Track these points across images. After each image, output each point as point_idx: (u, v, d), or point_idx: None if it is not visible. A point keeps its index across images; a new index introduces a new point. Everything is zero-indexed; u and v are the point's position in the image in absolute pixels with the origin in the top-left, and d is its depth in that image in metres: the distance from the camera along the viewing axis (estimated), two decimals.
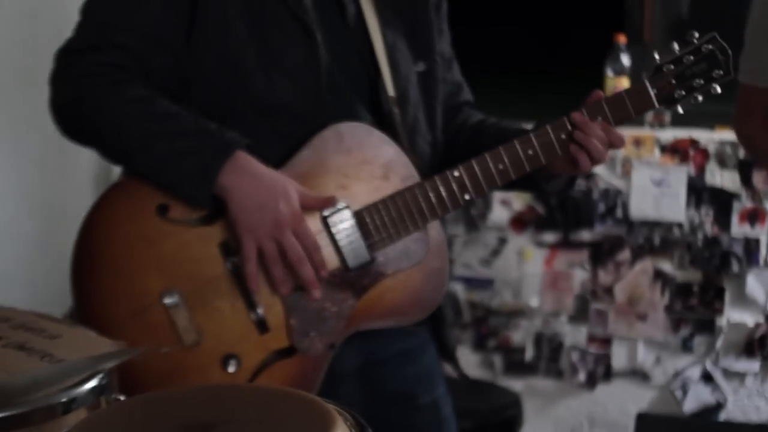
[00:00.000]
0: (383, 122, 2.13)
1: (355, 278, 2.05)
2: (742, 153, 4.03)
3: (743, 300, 4.08)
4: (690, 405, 4.17)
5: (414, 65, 2.21)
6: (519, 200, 4.25)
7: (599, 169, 4.14)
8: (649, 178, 4.13)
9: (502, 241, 4.30)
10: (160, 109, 1.99)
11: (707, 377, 4.16)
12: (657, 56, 2.12)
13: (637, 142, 4.09)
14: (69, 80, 2.04)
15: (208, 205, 1.98)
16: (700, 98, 2.12)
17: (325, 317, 2.03)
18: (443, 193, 2.07)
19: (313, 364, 2.04)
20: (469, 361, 4.36)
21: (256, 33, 2.03)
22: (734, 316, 4.11)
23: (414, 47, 2.21)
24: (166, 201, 1.98)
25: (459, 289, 4.35)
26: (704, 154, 4.09)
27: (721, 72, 2.10)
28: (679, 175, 4.10)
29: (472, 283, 4.35)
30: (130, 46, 2.01)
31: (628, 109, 2.09)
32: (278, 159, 2.03)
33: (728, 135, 3.96)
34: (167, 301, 1.97)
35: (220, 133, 1.98)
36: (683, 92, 2.10)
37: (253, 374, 2.01)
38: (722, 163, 4.07)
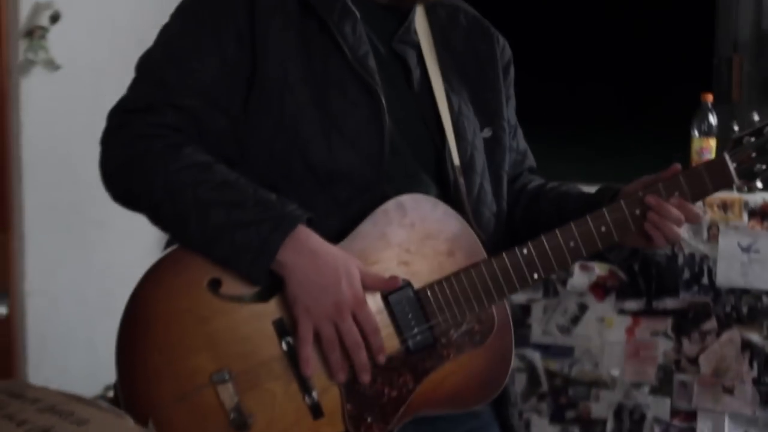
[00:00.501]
0: (448, 192, 2.05)
1: (417, 361, 1.95)
2: None
3: None
4: None
5: (481, 132, 2.13)
6: (600, 265, 4.13)
7: (685, 234, 4.01)
8: (737, 244, 3.98)
9: (583, 308, 4.19)
10: (217, 177, 1.91)
11: None
12: (737, 128, 2.02)
13: (725, 206, 3.96)
14: (121, 141, 1.96)
15: (264, 282, 1.89)
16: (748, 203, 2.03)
17: (383, 402, 1.94)
18: (511, 272, 1.98)
19: None
20: None
21: (316, 95, 1.95)
22: None
23: (481, 113, 2.14)
24: (219, 275, 1.90)
25: (536, 357, 4.24)
26: None
27: None
28: None
29: (550, 350, 4.24)
30: (187, 106, 1.93)
31: (707, 185, 2.00)
32: (337, 229, 1.94)
33: None
34: (217, 382, 1.88)
35: (281, 205, 1.89)
36: (764, 166, 2.01)
37: None
38: None
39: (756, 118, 2.07)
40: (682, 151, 3.95)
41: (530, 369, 4.24)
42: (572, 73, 4.57)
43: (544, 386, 4.25)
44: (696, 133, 3.97)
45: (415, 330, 1.94)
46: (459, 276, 1.96)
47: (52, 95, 3.42)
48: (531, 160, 2.33)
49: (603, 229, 1.98)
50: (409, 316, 1.94)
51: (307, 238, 1.88)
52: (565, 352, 4.22)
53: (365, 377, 1.90)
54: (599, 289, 4.16)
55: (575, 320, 4.20)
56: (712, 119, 3.97)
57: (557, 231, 1.98)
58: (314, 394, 1.91)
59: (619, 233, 1.99)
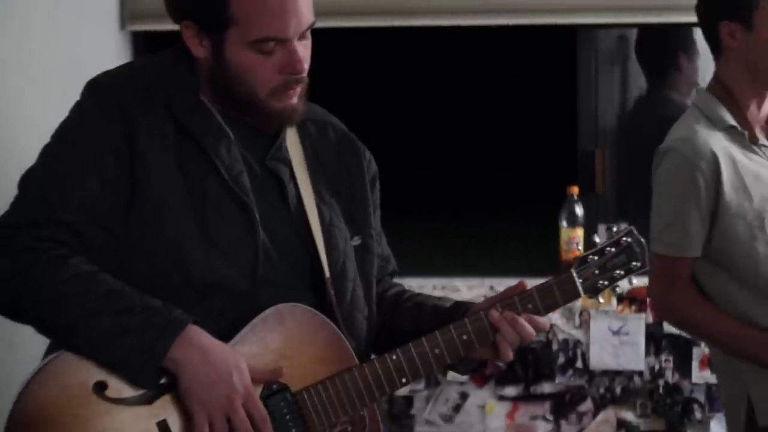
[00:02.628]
0: (322, 300, 2.17)
1: None
2: None
3: None
4: None
5: (351, 240, 2.25)
6: None
7: (558, 320, 4.16)
8: (608, 328, 4.14)
9: (464, 396, 4.27)
10: (103, 286, 2.00)
11: None
12: (581, 247, 2.22)
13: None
14: (6, 255, 2.02)
15: (152, 385, 1.98)
16: (619, 288, 2.29)
17: None
18: (381, 377, 2.11)
19: None
20: None
21: (195, 213, 2.06)
22: None
23: (351, 222, 2.27)
24: (104, 378, 1.98)
25: None
26: None
27: (638, 264, 2.23)
28: (638, 324, 4.12)
29: None
30: (68, 221, 2.02)
31: (557, 299, 2.20)
32: (217, 337, 2.03)
33: None
34: None
35: (167, 310, 1.99)
36: (606, 282, 2.22)
37: None
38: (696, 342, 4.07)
39: (597, 239, 2.28)
40: (552, 242, 4.09)
41: None
42: (444, 169, 4.71)
43: None
44: (564, 224, 4.10)
45: (293, 431, 2.04)
46: (333, 380, 2.08)
47: None
48: (393, 265, 2.45)
49: (465, 337, 2.13)
50: (287, 417, 2.04)
51: (197, 335, 1.99)
52: None
53: None
54: (479, 377, 4.23)
55: (457, 408, 4.26)
56: (579, 210, 4.11)
57: (424, 339, 2.12)
58: None
59: (479, 342, 2.15)
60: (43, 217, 2.02)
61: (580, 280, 2.19)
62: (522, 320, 2.15)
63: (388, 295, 2.38)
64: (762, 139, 2.87)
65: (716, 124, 2.83)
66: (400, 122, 4.67)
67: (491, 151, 4.76)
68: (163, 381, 2.00)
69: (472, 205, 4.60)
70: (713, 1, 2.88)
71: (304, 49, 2.11)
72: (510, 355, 2.17)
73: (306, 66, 2.12)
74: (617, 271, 2.22)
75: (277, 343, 2.07)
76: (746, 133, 2.83)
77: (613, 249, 2.21)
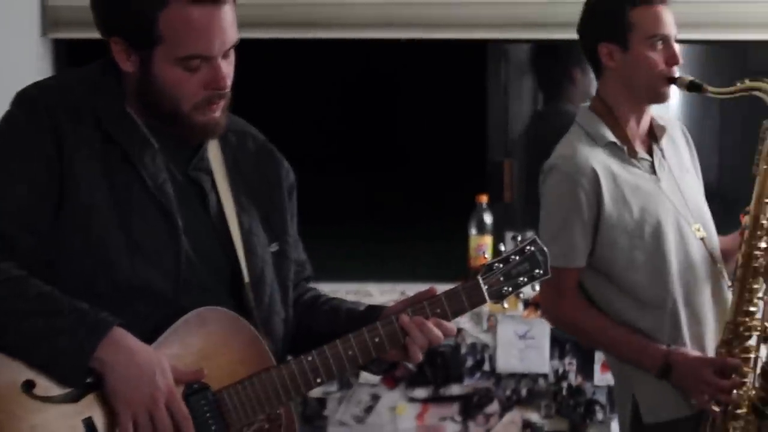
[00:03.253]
0: (242, 304, 2.25)
1: None
2: None
3: None
4: None
5: (269, 246, 2.33)
6: None
7: (466, 325, 4.28)
8: (514, 332, 4.27)
9: (375, 398, 4.36)
10: (33, 289, 2.07)
11: None
12: (488, 255, 2.32)
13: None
14: None
15: (80, 384, 2.06)
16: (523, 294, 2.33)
17: None
18: (297, 377, 2.20)
19: None
20: None
21: (120, 220, 2.14)
22: None
23: (269, 230, 2.35)
24: (33, 377, 2.05)
25: None
26: None
27: (541, 271, 2.31)
28: (543, 328, 4.25)
29: None
30: None
31: (464, 304, 2.29)
32: (141, 339, 2.11)
33: None
34: None
35: (94, 312, 2.07)
36: (510, 288, 2.30)
37: None
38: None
39: (502, 247, 2.38)
40: (461, 248, 4.20)
41: None
42: (353, 175, 4.78)
43: None
44: (473, 231, 4.23)
45: (213, 428, 2.14)
46: (252, 380, 2.17)
47: None
48: (309, 270, 2.54)
49: (377, 339, 2.23)
50: (208, 414, 2.14)
51: (123, 337, 2.07)
52: None
53: None
54: (390, 379, 4.34)
55: (369, 410, 4.36)
56: (488, 218, 4.25)
57: (338, 341, 2.22)
58: None
59: (390, 344, 2.24)
60: None
61: (486, 287, 2.28)
62: (430, 324, 2.24)
63: (303, 299, 2.47)
64: (641, 153, 3.04)
65: (597, 140, 2.99)
66: (315, 131, 4.74)
67: (404, 160, 4.85)
68: (89, 380, 2.07)
69: (385, 213, 4.69)
70: (592, 24, 3.05)
71: (228, 66, 2.20)
72: (419, 357, 2.27)
73: (229, 82, 2.21)
74: (521, 278, 2.30)
75: (198, 344, 2.16)
76: (625, 147, 3.00)
77: (517, 257, 2.30)
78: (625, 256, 2.96)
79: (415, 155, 4.77)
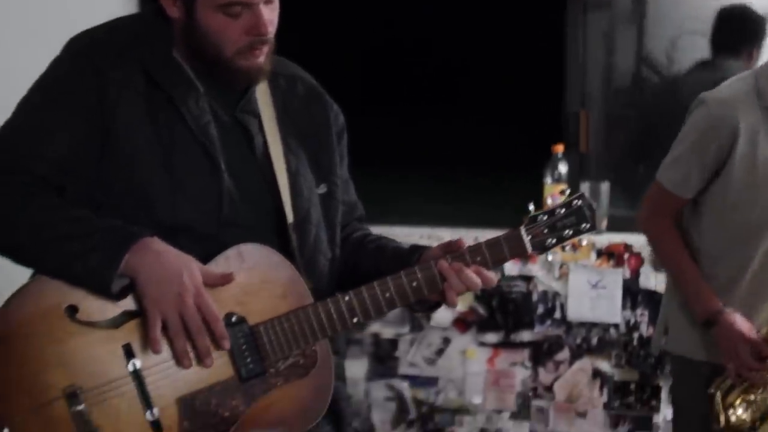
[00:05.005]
0: (285, 244, 2.30)
1: (248, 387, 2.19)
2: None
3: None
4: None
5: (316, 188, 2.39)
6: (461, 301, 4.26)
7: (538, 273, 4.32)
8: (586, 281, 4.29)
9: (446, 341, 4.42)
10: (67, 214, 2.15)
11: None
12: (532, 207, 2.34)
13: (574, 247, 4.13)
14: None
15: (112, 293, 2.12)
16: (568, 247, 2.35)
17: (216, 422, 2.17)
18: (334, 315, 2.24)
19: None
20: None
21: (163, 159, 2.20)
22: (670, 413, 4.06)
23: (317, 171, 2.40)
24: (76, 303, 2.13)
25: (404, 387, 4.46)
26: (638, 257, 4.26)
27: (588, 225, 2.31)
28: (615, 278, 4.26)
29: (417, 381, 4.46)
30: (39, 173, 2.17)
31: (505, 254, 2.28)
32: None
33: None
34: (68, 397, 2.10)
35: (124, 227, 2.15)
36: (554, 240, 2.30)
37: None
38: (656, 266, 4.23)
39: (550, 200, 2.39)
40: (536, 197, 4.16)
41: (399, 398, 4.46)
42: (432, 121, 4.80)
43: (412, 414, 4.46)
44: (548, 180, 4.26)
45: (248, 360, 2.19)
46: (289, 316, 2.22)
47: None
48: (360, 211, 2.58)
49: (414, 284, 2.25)
50: (244, 347, 2.19)
51: (151, 242, 2.14)
52: (431, 381, 4.44)
53: (208, 362, 2.14)
54: (461, 323, 4.41)
55: (440, 352, 4.42)
56: (563, 168, 4.27)
57: (375, 283, 2.25)
58: (155, 411, 2.15)
59: (429, 289, 2.26)
60: (13, 168, 2.18)
61: (529, 237, 2.28)
62: (468, 271, 2.25)
63: (352, 239, 2.51)
64: None
65: (762, 99, 2.98)
66: (396, 77, 4.77)
67: (482, 108, 4.86)
68: (128, 308, 2.15)
69: (461, 159, 4.72)
70: None
71: (270, 12, 2.24)
72: (456, 302, 2.28)
73: (271, 28, 2.25)
74: (566, 231, 2.29)
75: (238, 279, 2.21)
76: None
77: (563, 210, 2.29)
78: (727, 216, 3.03)
79: (493, 104, 4.77)
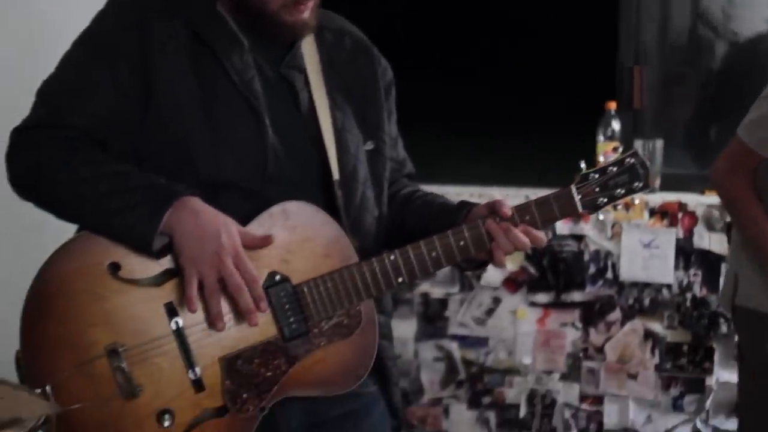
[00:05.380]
0: (331, 202, 2.26)
1: (290, 347, 2.17)
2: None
3: (732, 360, 4.10)
4: None
5: (363, 145, 2.34)
6: (512, 261, 4.34)
7: (590, 232, 4.26)
8: (639, 241, 4.22)
9: (497, 301, 4.39)
10: (109, 169, 2.13)
11: None
12: (583, 165, 2.27)
13: (627, 206, 4.11)
14: (24, 153, 2.17)
15: (153, 250, 2.10)
16: (621, 206, 2.31)
17: (258, 381, 2.15)
18: (378, 275, 2.20)
19: (242, 424, 2.16)
20: (464, 418, 4.44)
21: (206, 114, 2.17)
22: (724, 375, 4.19)
23: (364, 128, 2.36)
24: (119, 260, 2.11)
25: (454, 347, 4.44)
26: (692, 217, 4.19)
27: (641, 184, 2.26)
28: (668, 238, 4.20)
29: (467, 341, 4.43)
30: (83, 128, 2.15)
31: (554, 213, 2.23)
32: None
33: (716, 199, 4.01)
34: (110, 354, 2.09)
35: (168, 185, 2.11)
36: (605, 200, 2.25)
37: (185, 429, 2.13)
38: (710, 226, 4.17)
39: (602, 158, 2.34)
40: (588, 155, 4.13)
41: (448, 358, 4.43)
42: (482, 79, 4.73)
43: (462, 374, 4.44)
44: (601, 138, 4.20)
45: (291, 320, 2.16)
46: (333, 275, 2.19)
47: None
48: (409, 168, 2.54)
49: (462, 243, 2.20)
50: (287, 307, 2.16)
51: (190, 201, 2.10)
52: (481, 342, 4.41)
53: (253, 319, 2.11)
54: (511, 283, 4.37)
55: (490, 312, 4.39)
56: (616, 125, 4.20)
57: (421, 242, 2.21)
58: (197, 369, 2.12)
59: (476, 248, 2.21)
60: (56, 122, 2.16)
61: (579, 196, 2.23)
62: (516, 231, 2.20)
63: (400, 195, 2.47)
64: None
65: None
66: (442, 32, 4.70)
67: (532, 63, 4.78)
68: (170, 266, 2.12)
69: (511, 116, 4.65)
70: None
71: None
72: (504, 262, 2.23)
73: None
74: (618, 190, 2.25)
75: (282, 237, 2.17)
76: None
77: (615, 168, 2.24)
78: None
79: (545, 59, 4.69)
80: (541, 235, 2.24)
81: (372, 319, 2.24)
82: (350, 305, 2.20)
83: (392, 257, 2.21)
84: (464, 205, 2.33)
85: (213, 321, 2.11)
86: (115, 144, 2.18)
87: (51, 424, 1.65)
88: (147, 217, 2.08)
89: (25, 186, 2.19)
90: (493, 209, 2.23)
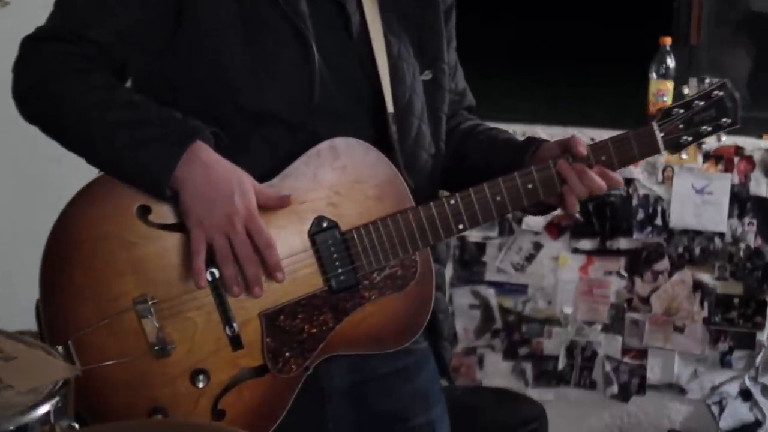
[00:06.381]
0: (383, 136, 2.07)
1: (338, 301, 1.99)
2: None
3: None
4: (727, 422, 4.09)
5: (421, 75, 2.15)
6: None
7: (639, 175, 4.07)
8: (691, 186, 4.04)
9: (537, 246, 4.23)
10: (122, 98, 1.93)
11: (746, 394, 4.08)
12: (667, 99, 2.07)
13: None
14: (33, 65, 1.97)
15: (166, 197, 1.91)
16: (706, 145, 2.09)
17: (302, 339, 1.99)
18: (437, 221, 2.02)
19: (285, 384, 1.99)
20: (500, 369, 4.31)
21: (247, 37, 1.97)
22: None
23: (421, 56, 2.16)
24: (148, 202, 1.92)
25: (491, 294, 4.28)
26: (749, 162, 4.00)
27: (729, 120, 2.08)
28: (723, 183, 4.01)
29: (504, 288, 4.28)
30: (101, 42, 1.94)
31: (633, 152, 2.06)
32: (269, 169, 1.96)
33: None
34: (140, 307, 1.91)
35: (184, 120, 1.91)
36: (690, 138, 2.08)
37: (222, 390, 1.96)
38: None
39: (686, 90, 2.13)
40: (640, 93, 3.96)
41: (484, 306, 4.28)
42: (533, 14, 4.57)
43: (498, 323, 4.29)
44: (654, 75, 3.97)
45: (339, 270, 1.98)
46: (386, 221, 2.00)
47: (1, 32, 3.37)
48: (469, 100, 2.35)
49: (530, 186, 2.02)
50: (334, 256, 1.97)
51: (202, 151, 1.89)
52: (519, 289, 4.26)
53: (257, 291, 1.92)
54: (554, 228, 4.19)
55: (530, 258, 4.23)
56: (670, 62, 3.97)
57: (485, 185, 2.02)
58: (235, 325, 1.94)
59: (545, 192, 2.03)
60: (75, 35, 1.95)
61: (662, 134, 2.06)
62: (592, 174, 2.03)
63: (460, 129, 2.28)
64: None
65: None
66: None
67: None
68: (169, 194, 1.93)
69: (559, 51, 4.47)
70: None
71: None
72: (576, 208, 2.05)
73: None
74: (704, 127, 2.07)
75: (330, 178, 1.99)
76: None
77: (702, 102, 2.07)
78: None
79: None
80: (618, 178, 2.07)
81: (429, 270, 2.06)
82: (405, 255, 2.02)
83: (452, 201, 2.02)
84: (532, 141, 2.15)
85: (228, 287, 1.92)
86: (139, 66, 1.98)
87: (70, 388, 1.45)
88: (159, 159, 1.88)
89: (28, 102, 1.98)
90: (567, 148, 2.05)
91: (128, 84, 2.04)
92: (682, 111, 2.07)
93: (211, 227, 1.88)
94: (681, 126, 2.07)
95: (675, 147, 2.09)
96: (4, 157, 3.58)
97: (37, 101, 1.95)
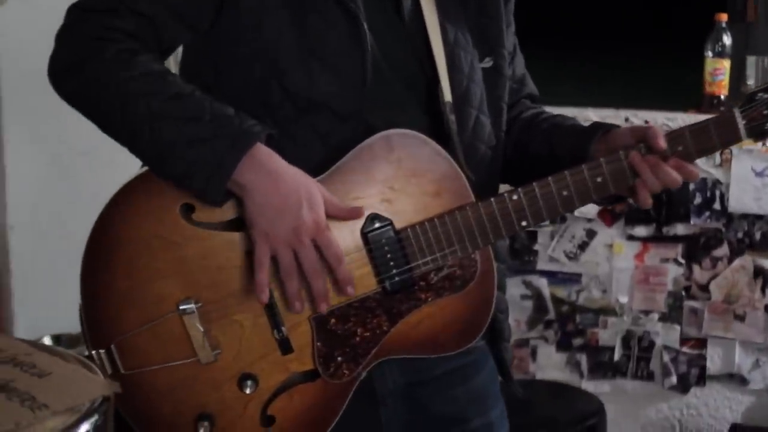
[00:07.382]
0: (439, 128, 1.96)
1: (393, 303, 1.89)
2: None
3: None
4: None
5: (480, 62, 2.04)
6: None
7: None
8: (751, 169, 3.93)
9: (591, 234, 4.13)
10: (172, 88, 1.82)
11: None
12: (752, 83, 1.93)
13: None
14: (76, 39, 1.85)
15: (218, 202, 1.81)
16: None
17: (355, 342, 1.89)
18: (498, 218, 1.91)
19: (336, 390, 1.90)
20: (553, 361, 4.22)
21: (295, 20, 1.86)
22: None
23: (480, 42, 2.05)
24: (192, 201, 1.82)
25: (543, 284, 4.20)
26: None
27: None
28: None
29: (557, 277, 4.19)
30: (150, 15, 1.83)
31: (713, 142, 1.93)
32: (318, 161, 1.86)
33: None
34: (184, 311, 1.82)
35: (239, 120, 1.80)
36: None
37: (271, 396, 1.88)
38: None
39: None
40: (695, 72, 3.88)
41: (537, 296, 4.21)
42: None
43: (551, 313, 4.21)
44: (709, 53, 3.89)
45: (394, 271, 1.88)
46: (444, 218, 1.90)
47: (31, 22, 3.31)
48: (530, 87, 2.24)
49: (599, 179, 1.91)
50: (389, 256, 1.87)
51: (267, 157, 1.80)
52: (573, 278, 4.18)
53: (322, 307, 1.83)
54: (608, 214, 4.10)
55: (583, 246, 4.14)
56: (726, 40, 3.88)
57: (550, 179, 1.91)
58: (284, 329, 1.85)
59: (615, 185, 1.91)
60: (122, 6, 1.84)
61: (744, 122, 1.91)
62: (667, 168, 1.89)
63: (521, 118, 2.17)
64: None
65: None
66: None
67: None
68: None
69: (609, 31, 4.35)
70: None
71: None
72: (649, 202, 1.93)
73: None
74: None
75: (385, 173, 1.88)
76: None
77: None
78: None
79: None
80: (697, 171, 1.93)
81: (489, 270, 1.95)
82: (464, 254, 1.91)
83: (515, 197, 1.91)
84: (598, 126, 2.02)
85: (290, 303, 1.82)
86: (183, 40, 1.88)
87: (110, 405, 1.35)
88: (213, 161, 1.77)
89: (65, 80, 1.86)
90: (642, 138, 1.92)
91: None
92: (767, 96, 1.93)
93: (276, 240, 1.78)
94: (766, 112, 1.92)
95: (759, 135, 1.94)
96: (34, 151, 3.54)
97: (75, 82, 1.84)
